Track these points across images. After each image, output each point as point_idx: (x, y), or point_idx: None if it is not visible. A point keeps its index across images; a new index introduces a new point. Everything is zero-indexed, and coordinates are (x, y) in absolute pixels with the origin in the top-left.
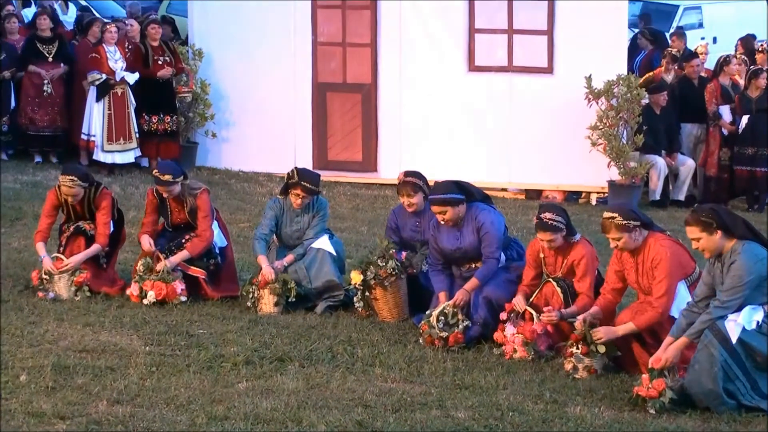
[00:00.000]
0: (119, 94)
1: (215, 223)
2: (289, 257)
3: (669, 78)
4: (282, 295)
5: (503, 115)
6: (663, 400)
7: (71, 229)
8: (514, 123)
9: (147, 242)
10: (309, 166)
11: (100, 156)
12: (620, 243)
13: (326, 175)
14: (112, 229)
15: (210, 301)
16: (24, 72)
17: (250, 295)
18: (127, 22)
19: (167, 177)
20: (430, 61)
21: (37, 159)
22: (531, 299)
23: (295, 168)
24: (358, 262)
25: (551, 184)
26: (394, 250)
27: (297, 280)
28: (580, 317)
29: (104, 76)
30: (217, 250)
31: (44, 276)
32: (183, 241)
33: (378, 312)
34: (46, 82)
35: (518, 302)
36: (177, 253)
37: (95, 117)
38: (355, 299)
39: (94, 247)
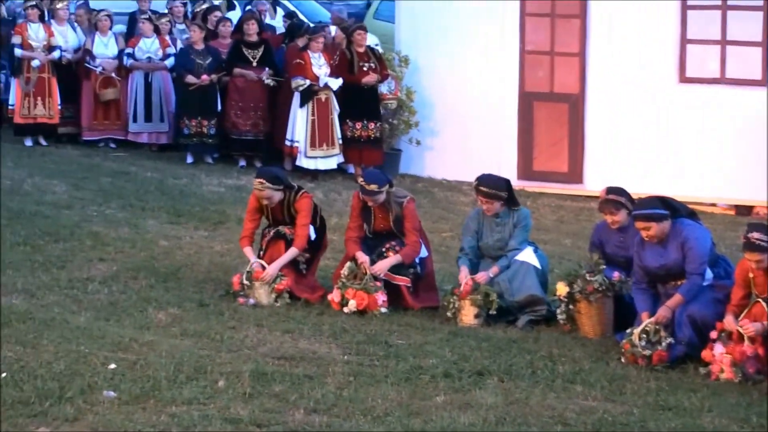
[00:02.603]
0: (323, 100)
1: None
2: (495, 269)
3: None
4: (483, 307)
5: (714, 128)
6: None
7: (272, 233)
8: (725, 136)
9: (361, 255)
10: (513, 176)
11: (303, 162)
12: None
13: (530, 186)
14: (313, 235)
15: (410, 312)
16: (230, 76)
17: (451, 306)
18: (326, 29)
19: (373, 186)
20: (640, 72)
21: (241, 163)
22: (740, 319)
23: (482, 174)
24: (565, 274)
25: (763, 200)
26: (603, 266)
27: (499, 292)
28: None
29: (308, 82)
30: (417, 260)
31: (245, 282)
32: (383, 250)
33: (580, 327)
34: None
35: (729, 322)
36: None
37: (299, 123)
38: (558, 311)
39: (291, 252)
